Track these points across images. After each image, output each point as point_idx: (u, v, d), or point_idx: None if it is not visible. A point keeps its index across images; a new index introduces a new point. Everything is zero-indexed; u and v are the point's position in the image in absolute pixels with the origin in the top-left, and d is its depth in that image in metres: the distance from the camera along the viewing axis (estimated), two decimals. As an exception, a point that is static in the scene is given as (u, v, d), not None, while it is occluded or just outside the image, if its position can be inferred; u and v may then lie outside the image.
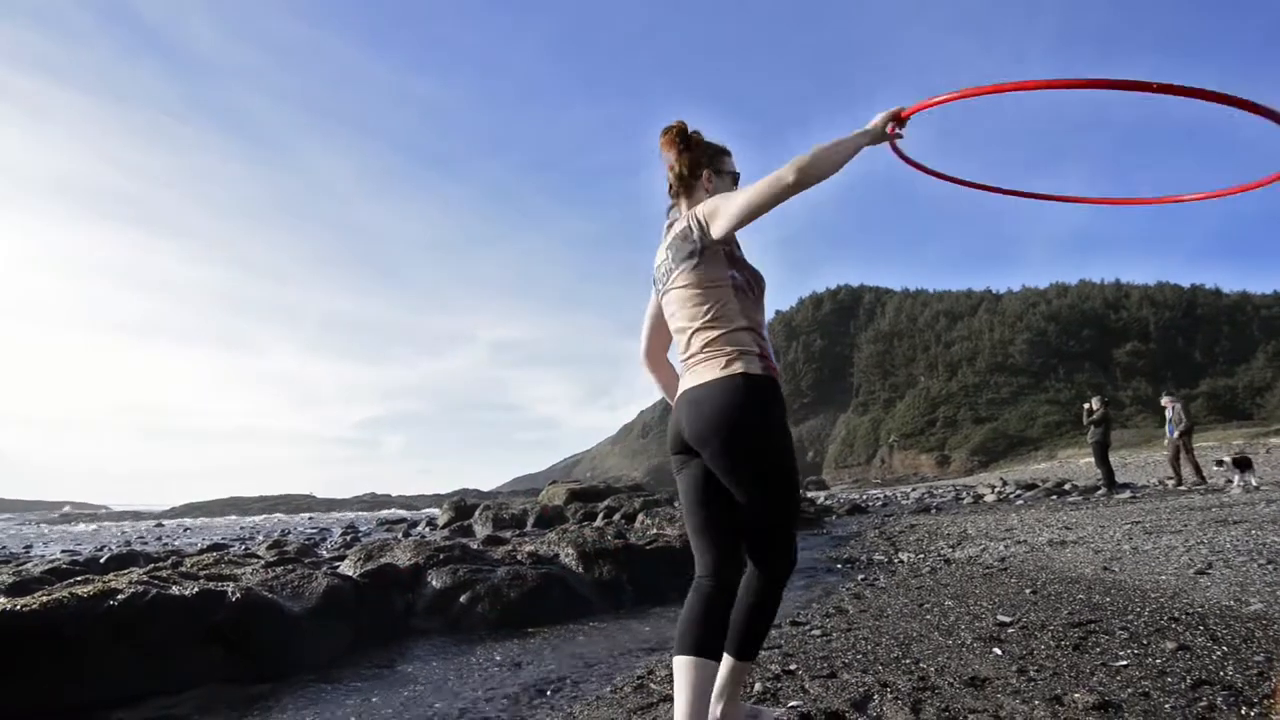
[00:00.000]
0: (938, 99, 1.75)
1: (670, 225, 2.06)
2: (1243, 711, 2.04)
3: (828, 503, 17.39)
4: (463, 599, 4.51)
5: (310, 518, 37.72)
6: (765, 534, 1.85)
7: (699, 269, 1.90)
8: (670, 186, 2.09)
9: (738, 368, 1.81)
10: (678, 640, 1.74)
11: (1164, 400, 12.98)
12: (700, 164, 2.04)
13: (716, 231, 1.87)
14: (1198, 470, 12.41)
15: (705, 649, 1.70)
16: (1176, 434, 12.61)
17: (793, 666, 2.78)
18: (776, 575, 1.88)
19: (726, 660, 1.83)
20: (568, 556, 5.40)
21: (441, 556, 4.94)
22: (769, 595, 1.88)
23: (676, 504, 9.13)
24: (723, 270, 1.91)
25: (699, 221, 1.90)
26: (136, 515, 51.06)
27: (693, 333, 1.90)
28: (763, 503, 1.81)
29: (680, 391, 1.91)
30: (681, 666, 1.70)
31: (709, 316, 1.88)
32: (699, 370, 1.86)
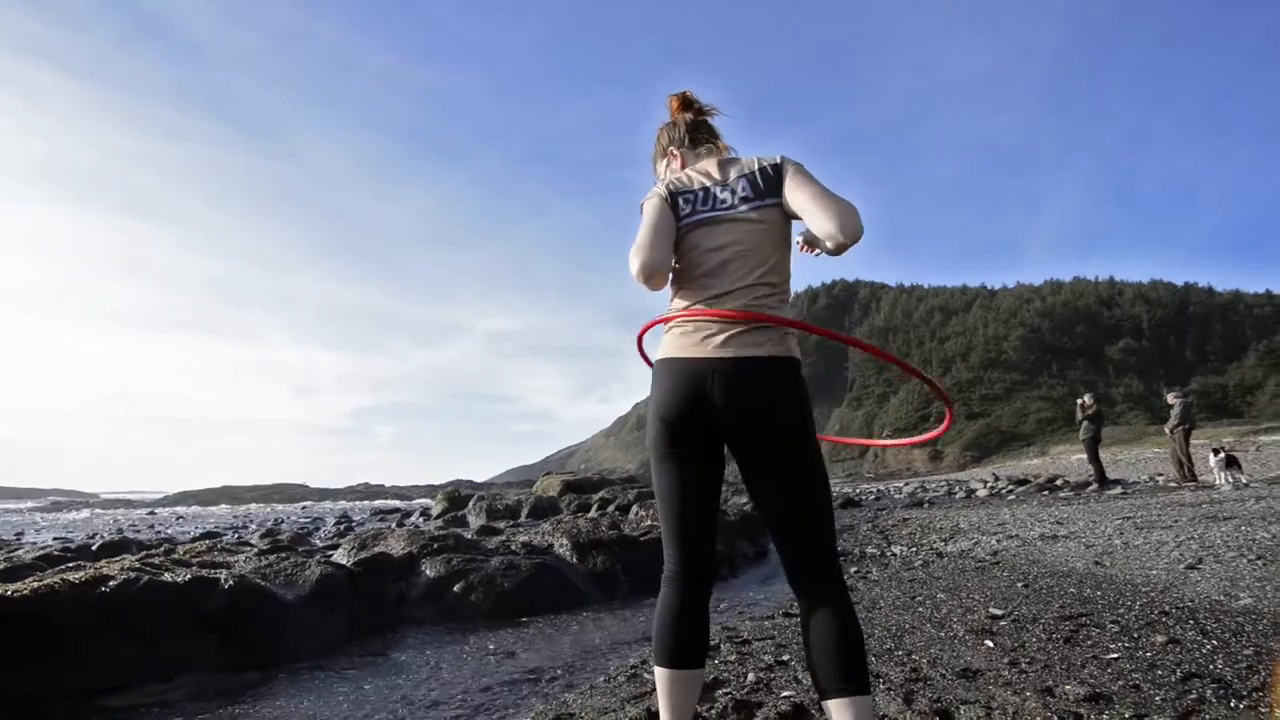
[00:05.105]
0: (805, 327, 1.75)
1: (717, 161, 1.80)
2: (1232, 704, 2.05)
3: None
4: (456, 588, 4.51)
5: (304, 507, 37.66)
6: (826, 531, 1.60)
7: (779, 210, 1.68)
8: (693, 132, 1.90)
9: (796, 349, 1.62)
10: (657, 650, 1.58)
11: (1170, 397, 12.59)
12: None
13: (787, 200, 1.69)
14: (1182, 467, 12.28)
15: (686, 660, 1.57)
16: (1169, 429, 12.59)
17: (786, 657, 2.79)
18: (840, 578, 1.63)
19: (861, 701, 1.44)
20: (562, 547, 5.40)
21: (435, 546, 4.93)
22: (849, 606, 1.61)
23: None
24: (787, 229, 1.72)
25: (779, 178, 1.69)
26: (128, 503, 50.91)
27: (761, 276, 1.64)
28: (820, 494, 1.58)
29: (731, 356, 1.56)
30: (664, 679, 1.57)
31: (784, 273, 1.69)
32: (766, 339, 1.59)
